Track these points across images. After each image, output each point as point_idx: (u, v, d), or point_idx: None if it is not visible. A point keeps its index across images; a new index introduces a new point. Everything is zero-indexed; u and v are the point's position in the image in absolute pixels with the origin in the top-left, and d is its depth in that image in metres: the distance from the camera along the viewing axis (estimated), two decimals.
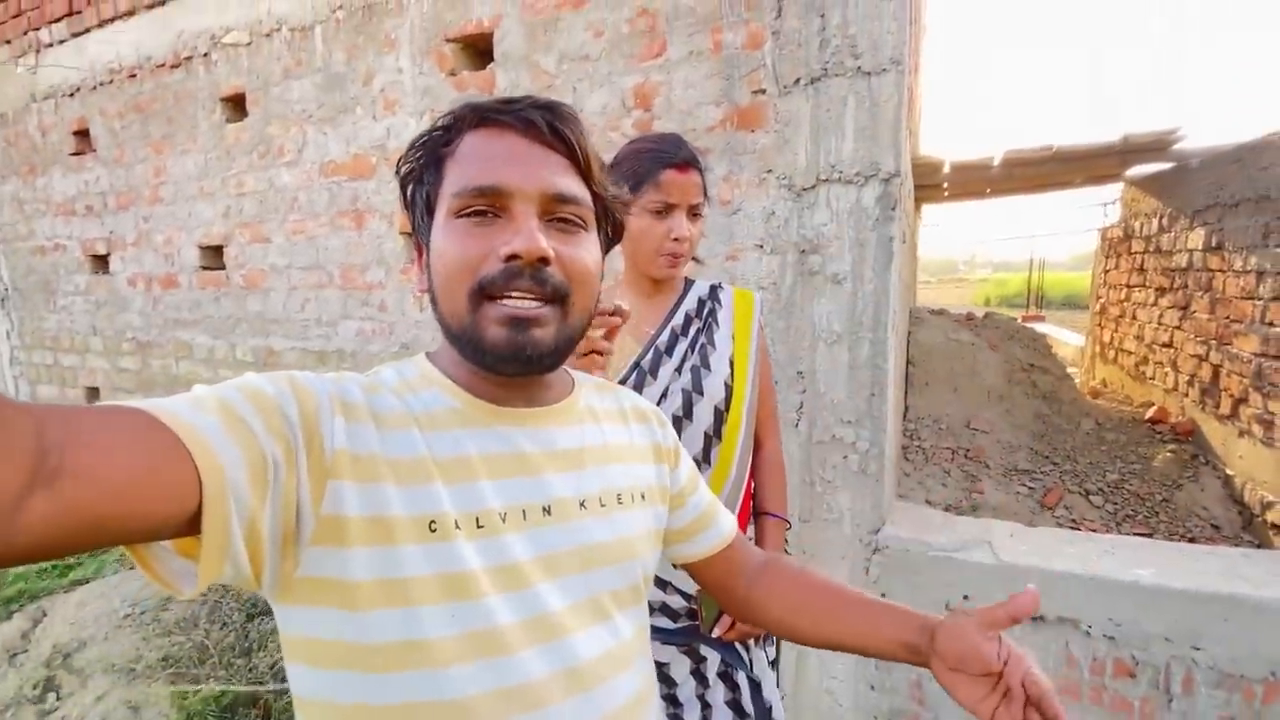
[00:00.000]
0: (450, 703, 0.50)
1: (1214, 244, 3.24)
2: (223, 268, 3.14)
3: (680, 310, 1.16)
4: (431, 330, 2.52)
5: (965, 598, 1.64)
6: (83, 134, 3.54)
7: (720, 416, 1.11)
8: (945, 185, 4.38)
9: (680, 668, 1.11)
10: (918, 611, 0.63)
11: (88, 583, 2.80)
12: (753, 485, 1.21)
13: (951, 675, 0.57)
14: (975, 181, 4.36)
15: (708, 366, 1.12)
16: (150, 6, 3.08)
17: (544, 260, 0.53)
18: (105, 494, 0.35)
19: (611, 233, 0.65)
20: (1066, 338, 7.94)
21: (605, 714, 0.56)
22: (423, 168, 0.58)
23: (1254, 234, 2.86)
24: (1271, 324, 2.71)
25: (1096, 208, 5.91)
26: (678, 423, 1.08)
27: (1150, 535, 2.68)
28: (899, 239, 1.76)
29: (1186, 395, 3.56)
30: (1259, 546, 2.61)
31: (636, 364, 1.10)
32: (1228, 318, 3.09)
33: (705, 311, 1.17)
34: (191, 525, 0.40)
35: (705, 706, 1.10)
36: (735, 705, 1.11)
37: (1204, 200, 3.36)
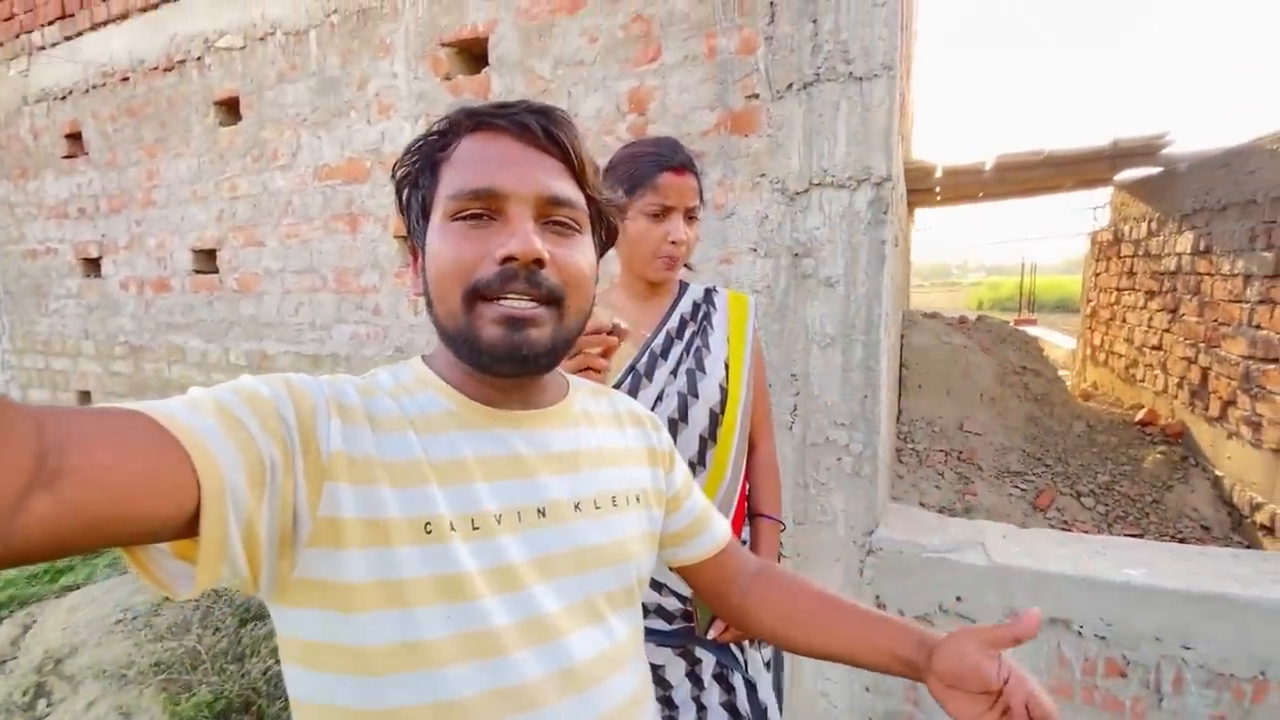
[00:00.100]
0: (446, 704, 0.50)
1: (1202, 248, 3.28)
2: (216, 271, 3.13)
3: (675, 313, 1.16)
4: (426, 334, 2.52)
5: (958, 599, 1.65)
6: (75, 137, 3.52)
7: (715, 419, 1.12)
8: (938, 189, 4.41)
9: (676, 670, 1.11)
10: (914, 626, 0.63)
11: (79, 588, 2.78)
12: (747, 487, 1.22)
13: (948, 692, 0.57)
14: (967, 185, 4.39)
15: (703, 369, 1.12)
16: (143, 10, 3.08)
17: (539, 262, 0.54)
18: (103, 495, 0.36)
19: (606, 236, 0.66)
20: (1058, 341, 8.00)
21: (600, 715, 0.56)
22: (418, 172, 0.59)
23: (1241, 238, 2.90)
24: (1259, 327, 2.74)
25: (1087, 212, 5.96)
26: (673, 425, 1.09)
27: (1141, 536, 2.70)
28: (891, 242, 1.77)
29: (1176, 397, 3.59)
30: (1248, 547, 2.63)
31: (632, 367, 1.11)
32: (1216, 321, 3.12)
33: (700, 315, 1.18)
34: (189, 527, 0.41)
35: (701, 708, 1.11)
36: (730, 707, 1.12)
37: (1192, 204, 3.39)
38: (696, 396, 1.10)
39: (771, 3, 1.77)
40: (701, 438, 1.11)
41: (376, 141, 2.53)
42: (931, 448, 3.13)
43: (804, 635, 0.69)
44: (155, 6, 3.04)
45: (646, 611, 1.10)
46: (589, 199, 0.60)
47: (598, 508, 0.61)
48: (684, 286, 1.20)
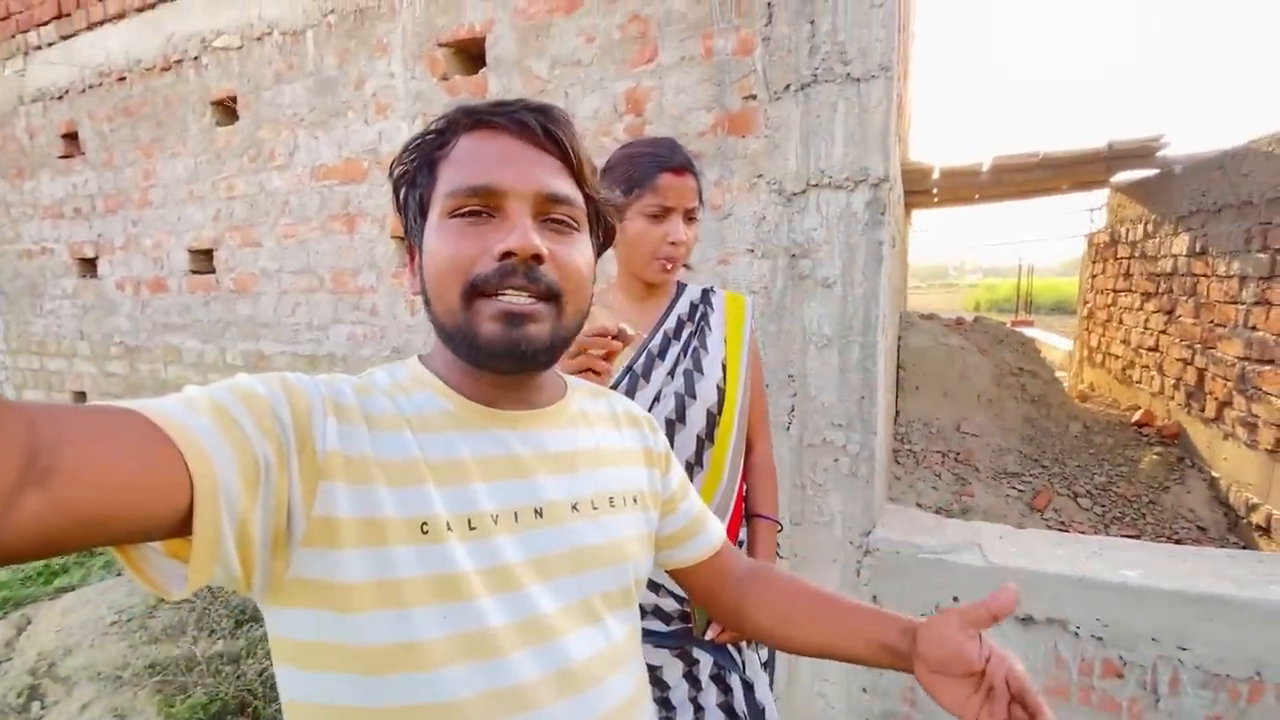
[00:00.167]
0: (442, 705, 0.50)
1: (1198, 249, 3.29)
2: (213, 271, 3.12)
3: (673, 314, 1.16)
4: (423, 334, 2.52)
5: (955, 599, 1.65)
6: (71, 137, 3.51)
7: (713, 420, 1.12)
8: (935, 191, 4.42)
9: (673, 671, 1.11)
10: (899, 616, 0.63)
11: (74, 589, 2.76)
12: (744, 488, 1.22)
13: (933, 677, 0.57)
14: (964, 187, 4.40)
15: (700, 370, 1.12)
16: (140, 10, 3.07)
17: (538, 258, 0.54)
18: (96, 494, 0.35)
19: (603, 237, 0.66)
20: (1055, 342, 8.02)
21: (597, 716, 0.56)
22: (416, 170, 0.59)
23: (1237, 239, 2.91)
24: (1254, 328, 2.75)
25: (1084, 213, 5.98)
26: (670, 426, 1.09)
27: (1138, 537, 2.70)
28: (888, 243, 1.77)
29: (1172, 399, 3.60)
30: (1244, 547, 2.64)
31: (629, 368, 1.10)
32: (1212, 322, 3.13)
33: (697, 315, 1.18)
34: (182, 526, 0.40)
35: (698, 709, 1.10)
36: (728, 708, 1.11)
37: (1188, 206, 3.41)
38: (694, 397, 1.10)
39: (769, 4, 1.77)
40: (699, 439, 1.11)
41: (374, 142, 2.53)
42: (928, 449, 3.13)
43: (802, 634, 0.69)
44: (152, 6, 3.03)
45: (644, 612, 1.10)
46: (587, 198, 0.60)
47: (595, 508, 0.61)
48: (681, 287, 1.20)
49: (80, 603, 2.59)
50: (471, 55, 2.35)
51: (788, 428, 1.84)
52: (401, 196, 0.60)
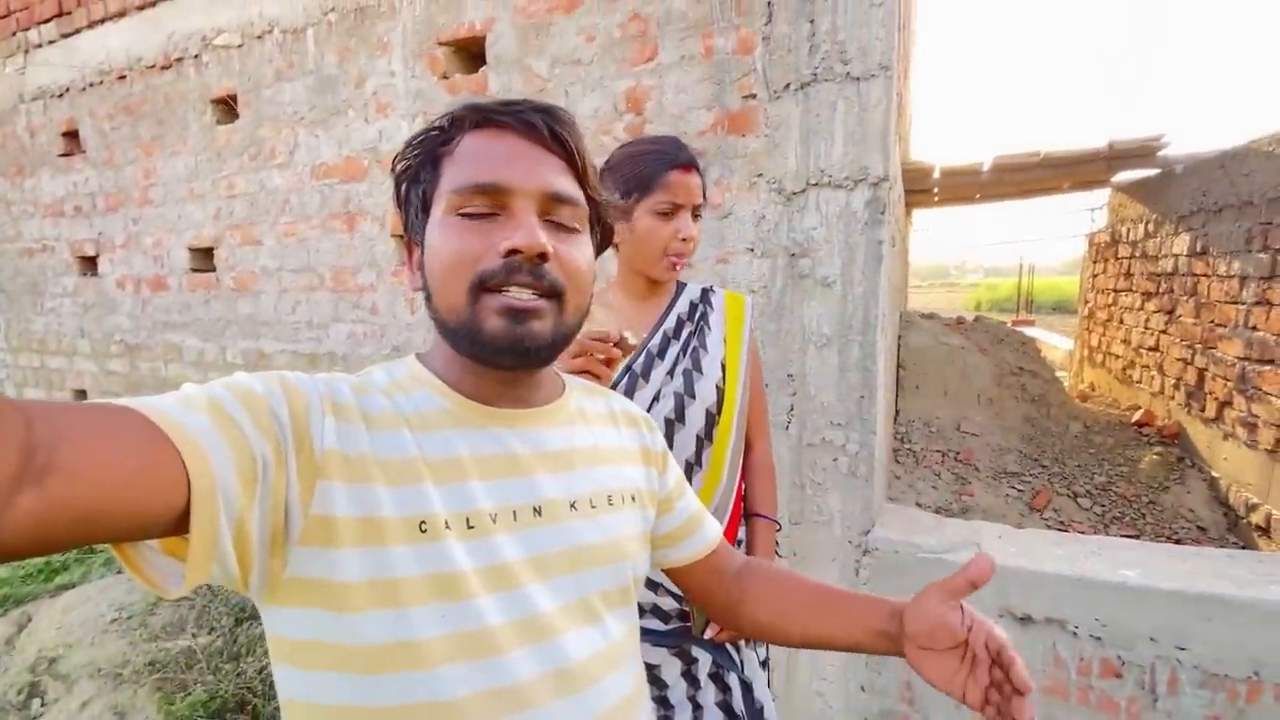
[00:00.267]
0: (440, 704, 0.50)
1: (1199, 249, 3.29)
2: (213, 270, 3.12)
3: (672, 313, 1.16)
4: (423, 332, 2.52)
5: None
6: (72, 135, 3.51)
7: (712, 419, 1.12)
8: (935, 190, 4.42)
9: (671, 669, 1.11)
10: (886, 600, 0.65)
11: (74, 587, 2.77)
12: (743, 487, 1.22)
13: (921, 654, 0.58)
14: (965, 186, 4.40)
15: (699, 369, 1.12)
16: (141, 8, 3.07)
17: (543, 256, 0.54)
18: (93, 492, 0.35)
19: (602, 238, 0.66)
20: (1056, 342, 8.02)
21: (595, 715, 0.56)
22: (419, 166, 0.59)
23: (1237, 239, 2.90)
24: (1255, 328, 2.75)
25: (1084, 213, 5.98)
26: (670, 425, 1.09)
27: (1137, 537, 2.70)
28: (888, 242, 1.77)
29: (1172, 398, 3.60)
30: (1244, 547, 2.64)
31: (629, 367, 1.10)
32: (1212, 322, 3.13)
33: (697, 315, 1.18)
34: (180, 524, 0.40)
35: (697, 708, 1.10)
36: (726, 707, 1.12)
37: (1189, 206, 3.40)
38: (693, 397, 1.10)
39: (769, 3, 1.77)
40: (698, 438, 1.11)
41: (374, 140, 2.53)
42: (928, 448, 3.13)
43: (799, 627, 0.69)
44: (153, 4, 3.03)
45: (642, 611, 1.10)
46: (589, 199, 0.60)
47: (593, 507, 0.61)
48: (681, 287, 1.20)
49: (80, 600, 2.59)
50: (472, 54, 2.35)
51: (787, 427, 1.84)
52: (403, 191, 0.60)
